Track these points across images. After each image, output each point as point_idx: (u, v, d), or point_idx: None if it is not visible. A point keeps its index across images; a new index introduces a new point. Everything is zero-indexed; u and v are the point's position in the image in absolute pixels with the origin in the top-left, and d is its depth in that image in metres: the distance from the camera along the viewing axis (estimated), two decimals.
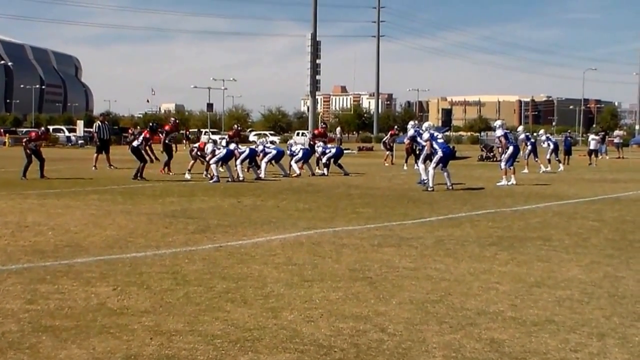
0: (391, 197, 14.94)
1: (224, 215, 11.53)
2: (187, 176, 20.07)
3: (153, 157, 20.33)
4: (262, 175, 20.32)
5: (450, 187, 16.52)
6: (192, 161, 20.94)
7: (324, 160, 22.48)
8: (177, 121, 26.30)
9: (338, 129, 59.73)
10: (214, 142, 20.26)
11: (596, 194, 16.30)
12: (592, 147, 34.51)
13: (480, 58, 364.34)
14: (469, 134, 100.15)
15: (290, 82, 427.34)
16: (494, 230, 10.01)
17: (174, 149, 22.72)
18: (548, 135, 30.44)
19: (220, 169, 19.07)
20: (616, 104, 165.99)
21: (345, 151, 28.50)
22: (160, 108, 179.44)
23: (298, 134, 61.91)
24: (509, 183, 18.23)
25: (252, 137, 60.90)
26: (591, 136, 38.90)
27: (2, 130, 64.03)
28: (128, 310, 5.51)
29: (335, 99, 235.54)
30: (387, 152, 30.49)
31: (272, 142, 26.33)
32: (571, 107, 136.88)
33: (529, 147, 26.20)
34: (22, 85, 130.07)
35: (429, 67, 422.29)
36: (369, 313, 5.49)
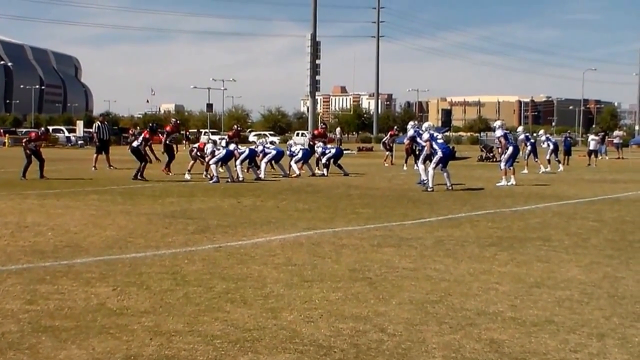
0: (391, 198, 14.94)
1: (224, 215, 11.53)
2: (187, 176, 20.07)
3: (154, 158, 20.34)
4: (261, 175, 20.32)
5: (450, 188, 16.52)
6: (192, 161, 20.94)
7: (323, 160, 22.48)
8: (178, 122, 26.30)
9: (338, 129, 59.79)
10: (214, 142, 20.27)
11: (596, 194, 16.30)
12: (591, 147, 34.51)
13: (480, 58, 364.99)
14: (468, 134, 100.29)
15: (289, 83, 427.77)
16: (493, 231, 10.01)
17: (175, 149, 22.73)
18: (548, 135, 30.44)
19: (220, 169, 19.08)
20: (616, 104, 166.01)
21: (345, 151, 28.50)
22: (159, 108, 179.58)
23: (298, 135, 61.91)
24: (509, 183, 18.23)
25: (251, 138, 60.89)
26: (591, 136, 38.90)
27: (1, 130, 64.00)
28: (128, 311, 5.51)
29: (335, 99, 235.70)
30: (387, 153, 30.50)
31: (271, 143, 26.32)
32: (571, 107, 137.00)
33: (529, 148, 26.21)
34: (21, 86, 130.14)
35: (428, 68, 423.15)
36: (369, 313, 5.49)
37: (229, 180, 18.73)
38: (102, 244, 8.61)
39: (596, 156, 34.63)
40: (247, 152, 20.21)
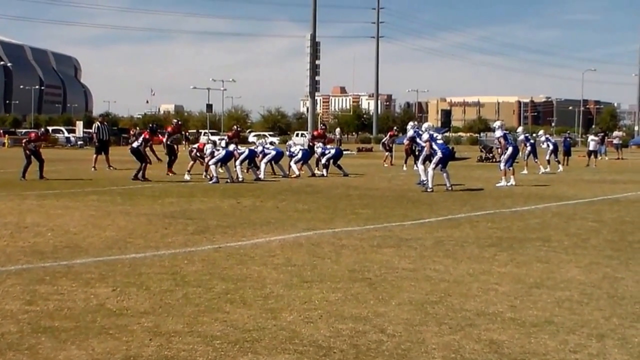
0: (390, 198, 14.94)
1: (223, 216, 11.54)
2: (187, 177, 20.07)
3: (155, 159, 20.34)
4: (261, 176, 20.32)
5: (450, 188, 16.52)
6: (192, 162, 20.96)
7: (323, 161, 22.48)
8: (180, 123, 26.30)
9: (337, 129, 59.68)
10: (213, 143, 20.28)
11: (595, 194, 16.30)
12: (591, 147, 34.50)
13: (479, 59, 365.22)
14: (468, 134, 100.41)
15: (289, 83, 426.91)
16: (493, 231, 10.01)
17: (176, 149, 22.74)
18: (547, 136, 30.42)
19: (220, 169, 19.08)
20: (615, 104, 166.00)
21: (344, 152, 28.52)
22: (159, 109, 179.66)
23: (297, 135, 61.90)
24: (508, 184, 18.24)
25: (251, 138, 60.87)
26: (590, 137, 38.86)
27: (1, 131, 64.05)
28: (127, 311, 5.51)
29: (335, 99, 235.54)
30: (387, 153, 30.49)
31: (271, 143, 26.32)
32: (570, 107, 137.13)
33: (529, 148, 26.21)
34: (21, 86, 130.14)
35: (428, 68, 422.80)
36: (368, 314, 5.49)
37: (229, 180, 18.73)
38: (102, 244, 8.61)
39: (596, 157, 34.61)
40: (246, 152, 20.22)
